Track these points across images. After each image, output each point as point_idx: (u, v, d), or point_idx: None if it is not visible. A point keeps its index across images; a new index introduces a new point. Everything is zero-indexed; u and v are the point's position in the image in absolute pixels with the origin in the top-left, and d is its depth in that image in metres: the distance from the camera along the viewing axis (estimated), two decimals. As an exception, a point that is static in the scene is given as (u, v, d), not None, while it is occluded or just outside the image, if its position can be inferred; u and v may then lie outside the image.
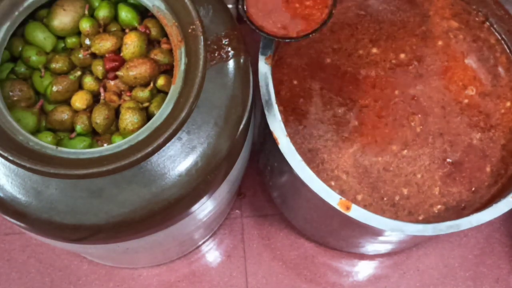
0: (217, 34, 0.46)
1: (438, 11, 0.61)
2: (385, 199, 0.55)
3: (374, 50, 0.58)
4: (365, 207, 0.55)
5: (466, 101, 0.59)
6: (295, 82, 0.57)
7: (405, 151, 0.56)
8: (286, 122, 0.49)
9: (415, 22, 0.60)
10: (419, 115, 0.57)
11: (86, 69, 0.47)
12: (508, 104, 0.59)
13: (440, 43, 0.60)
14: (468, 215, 0.51)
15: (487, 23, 0.61)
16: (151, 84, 0.45)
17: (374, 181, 0.55)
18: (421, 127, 0.57)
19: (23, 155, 0.39)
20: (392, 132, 0.56)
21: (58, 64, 0.46)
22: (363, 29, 0.60)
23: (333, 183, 0.55)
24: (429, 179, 0.56)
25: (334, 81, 0.57)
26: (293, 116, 0.56)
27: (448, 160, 0.56)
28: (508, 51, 0.61)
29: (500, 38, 0.61)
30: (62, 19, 0.46)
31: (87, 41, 0.46)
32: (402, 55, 0.59)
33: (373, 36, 0.59)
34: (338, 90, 0.57)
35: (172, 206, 0.43)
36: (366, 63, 0.58)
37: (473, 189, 0.57)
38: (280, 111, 0.50)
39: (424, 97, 0.58)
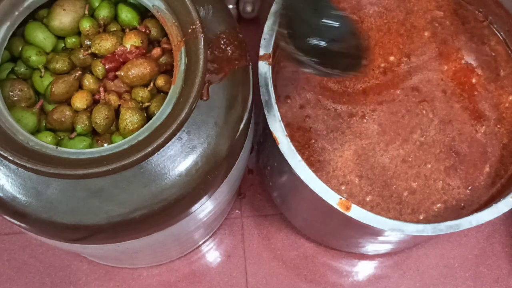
0: (217, 34, 0.46)
1: (423, 5, 0.61)
2: (394, 196, 0.55)
3: (363, 62, 0.58)
4: (372, 208, 0.55)
5: (468, 83, 0.59)
6: (288, 101, 0.57)
7: (423, 137, 0.56)
8: (292, 138, 0.50)
9: (399, 22, 0.61)
10: (426, 102, 0.57)
11: (86, 69, 0.47)
12: (511, 98, 0.59)
13: (426, 34, 0.60)
14: (467, 215, 0.51)
15: (486, 21, 0.61)
16: (151, 84, 0.46)
17: (389, 178, 0.56)
18: (432, 112, 0.57)
19: (23, 155, 0.39)
20: (411, 121, 0.57)
21: (58, 64, 0.46)
22: None
23: (343, 188, 0.55)
24: (436, 171, 0.56)
25: (325, 93, 0.58)
26: (300, 133, 0.56)
27: (454, 149, 0.57)
28: (504, 43, 0.61)
29: (497, 33, 0.61)
30: (62, 19, 0.46)
31: (87, 41, 0.46)
32: (391, 58, 0.59)
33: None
34: (336, 102, 0.57)
35: (172, 206, 0.43)
36: (353, 76, 0.58)
37: (470, 187, 0.57)
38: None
39: (423, 83, 0.58)
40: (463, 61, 0.60)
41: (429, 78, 0.59)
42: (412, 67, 0.59)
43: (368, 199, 0.55)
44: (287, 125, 0.56)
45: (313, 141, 0.56)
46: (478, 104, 0.59)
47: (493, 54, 0.60)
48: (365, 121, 0.56)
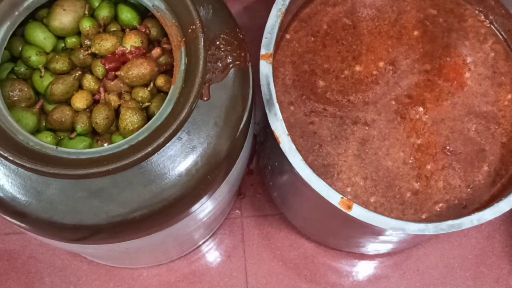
0: (217, 34, 0.46)
1: (417, 4, 0.61)
2: (397, 196, 0.56)
3: (357, 68, 0.59)
4: (375, 208, 0.55)
5: (457, 78, 0.59)
6: (292, 108, 0.57)
7: (419, 140, 0.57)
8: (294, 143, 0.50)
9: (390, 23, 0.61)
10: (418, 106, 0.58)
11: (86, 69, 0.47)
12: (510, 96, 0.59)
13: (416, 33, 0.60)
14: (468, 214, 0.51)
15: (487, 21, 0.61)
16: (151, 84, 0.46)
17: (392, 180, 0.56)
18: (425, 115, 0.58)
19: (23, 155, 0.39)
20: (406, 126, 0.57)
21: (58, 64, 0.46)
22: (347, 44, 0.60)
23: (349, 189, 0.55)
24: (436, 172, 0.56)
25: (331, 103, 0.58)
26: (303, 138, 0.56)
27: (449, 148, 0.57)
28: (504, 42, 0.61)
29: (497, 32, 0.61)
30: (62, 19, 0.46)
31: (87, 41, 0.46)
32: (381, 63, 0.59)
33: (355, 52, 0.60)
34: (341, 111, 0.58)
35: (172, 206, 0.43)
36: (352, 84, 0.58)
37: (470, 186, 0.57)
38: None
39: (412, 86, 0.59)
40: (448, 58, 0.60)
41: (416, 82, 0.59)
42: (398, 74, 0.59)
43: (372, 200, 0.56)
44: (290, 130, 0.56)
45: (317, 146, 0.56)
46: (468, 100, 0.59)
47: (492, 52, 0.60)
48: (366, 128, 0.57)
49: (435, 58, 0.60)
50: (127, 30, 0.47)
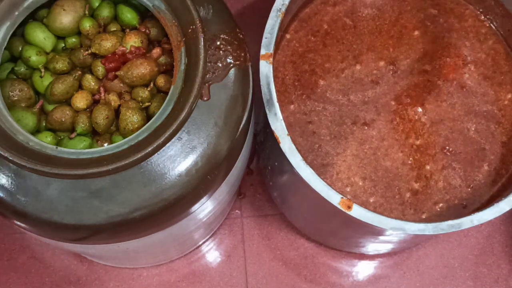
0: (217, 34, 0.46)
1: (417, 3, 0.61)
2: (396, 197, 0.56)
3: (358, 67, 0.59)
4: (375, 208, 0.55)
5: (457, 79, 0.59)
6: (291, 107, 0.57)
7: (418, 141, 0.57)
8: (294, 142, 0.50)
9: (390, 23, 0.61)
10: (417, 107, 0.58)
11: (86, 69, 0.47)
12: (510, 95, 0.59)
13: (416, 33, 0.60)
14: (469, 214, 0.51)
15: (487, 21, 0.61)
16: (151, 84, 0.46)
17: (391, 180, 0.56)
18: (424, 116, 0.58)
19: (23, 155, 0.39)
20: (406, 127, 0.57)
21: (58, 64, 0.46)
22: (348, 44, 0.60)
23: (348, 189, 0.55)
24: (436, 172, 0.56)
25: (331, 103, 0.58)
26: (303, 137, 0.57)
27: (448, 148, 0.57)
28: (505, 42, 0.61)
29: (497, 32, 0.61)
30: (62, 19, 0.46)
31: (87, 41, 0.46)
32: (381, 63, 0.59)
33: (356, 51, 0.60)
34: (340, 111, 0.58)
35: (172, 206, 0.43)
36: (352, 83, 0.58)
37: (471, 185, 0.57)
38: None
39: (411, 86, 0.59)
40: (448, 59, 0.60)
41: (415, 82, 0.59)
42: (398, 74, 0.59)
43: (371, 200, 0.56)
44: (289, 129, 0.56)
45: (317, 145, 0.56)
46: (468, 100, 0.59)
47: (492, 52, 0.60)
48: (366, 128, 0.57)
49: (435, 59, 0.60)
50: (127, 30, 0.47)
